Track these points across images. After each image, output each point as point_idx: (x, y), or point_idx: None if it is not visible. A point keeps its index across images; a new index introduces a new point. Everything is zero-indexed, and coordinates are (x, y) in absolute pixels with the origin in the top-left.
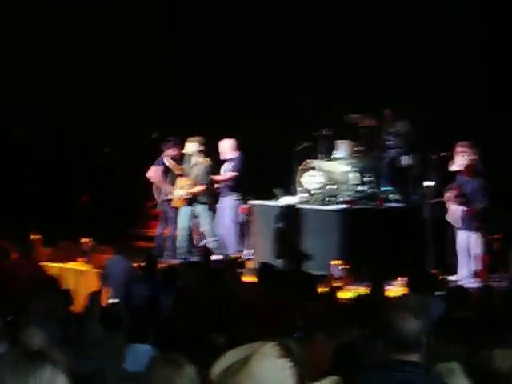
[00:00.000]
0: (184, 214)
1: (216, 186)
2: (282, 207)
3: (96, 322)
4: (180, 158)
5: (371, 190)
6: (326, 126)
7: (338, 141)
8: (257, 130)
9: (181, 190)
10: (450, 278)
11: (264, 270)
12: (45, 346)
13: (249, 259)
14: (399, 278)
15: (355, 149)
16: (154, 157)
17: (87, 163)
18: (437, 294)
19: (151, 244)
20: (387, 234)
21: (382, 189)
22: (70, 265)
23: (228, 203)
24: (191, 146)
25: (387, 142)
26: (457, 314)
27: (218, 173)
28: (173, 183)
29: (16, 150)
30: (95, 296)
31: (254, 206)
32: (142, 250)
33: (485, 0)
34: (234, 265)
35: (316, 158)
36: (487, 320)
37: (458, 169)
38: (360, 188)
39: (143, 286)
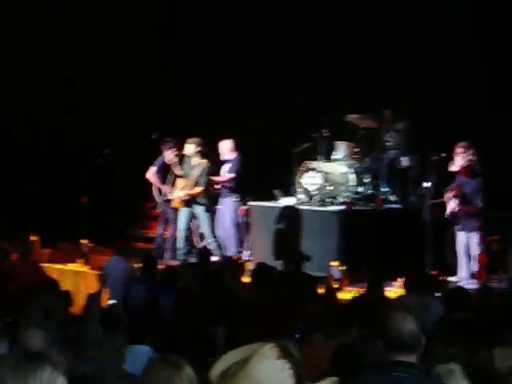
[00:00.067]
0: (183, 215)
1: (216, 187)
2: (281, 208)
3: (95, 323)
4: (180, 159)
5: (370, 191)
6: (326, 127)
7: (338, 142)
8: (256, 130)
9: (180, 191)
10: (450, 278)
11: (260, 270)
12: (45, 348)
13: (248, 260)
14: (398, 279)
15: (354, 150)
16: (153, 157)
17: (87, 164)
18: (436, 295)
19: (151, 245)
20: (386, 235)
21: (381, 190)
22: (70, 266)
23: (228, 204)
24: (190, 148)
25: (386, 144)
26: (456, 315)
27: (217, 174)
28: (173, 184)
29: (16, 150)
30: (94, 297)
31: (253, 207)
32: (142, 251)
33: (485, 0)
34: (233, 266)
35: (315, 159)
36: (486, 321)
37: (457, 169)
38: (359, 189)
39: (142, 287)
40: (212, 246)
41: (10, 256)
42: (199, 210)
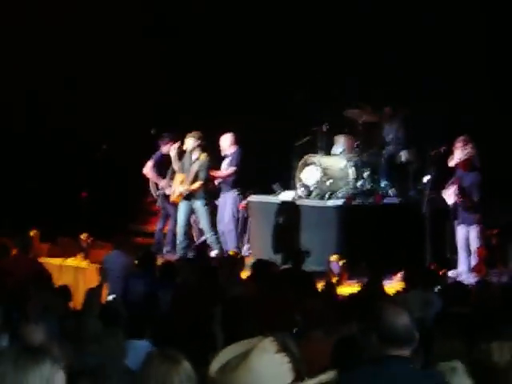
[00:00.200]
0: (182, 209)
1: (216, 181)
2: (280, 203)
3: (95, 318)
4: (179, 154)
5: (370, 185)
6: (326, 121)
7: (337, 136)
8: (256, 128)
9: (179, 185)
10: (449, 273)
11: (259, 267)
12: (45, 342)
13: (248, 255)
14: (398, 274)
15: (354, 144)
16: (153, 153)
17: (86, 159)
18: (435, 289)
19: (150, 240)
20: (385, 229)
21: (380, 184)
22: (69, 261)
23: (228, 199)
24: (190, 142)
25: (386, 138)
26: (455, 310)
27: (218, 168)
28: (172, 178)
29: (16, 146)
30: (94, 292)
31: (252, 201)
32: (142, 245)
33: (485, 0)
34: (232, 261)
35: (315, 154)
36: (485, 315)
37: (456, 163)
38: (359, 183)
39: (141, 282)
40: (210, 241)
41: (10, 252)
42: (198, 204)
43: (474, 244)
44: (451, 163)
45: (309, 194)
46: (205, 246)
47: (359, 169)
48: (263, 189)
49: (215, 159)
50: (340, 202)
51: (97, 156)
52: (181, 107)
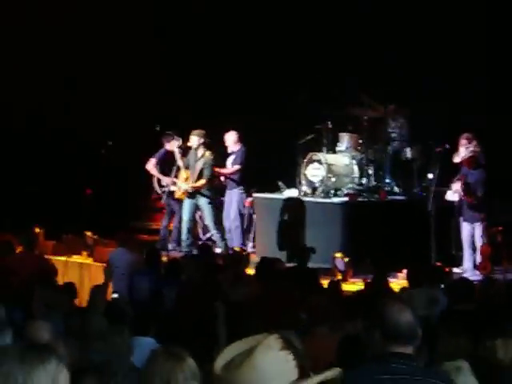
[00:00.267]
0: (187, 206)
1: (221, 179)
2: (285, 200)
3: (100, 315)
4: (184, 151)
5: (374, 182)
6: (329, 119)
7: (342, 133)
8: (257, 126)
9: (184, 182)
10: (454, 270)
11: (263, 265)
12: (51, 340)
13: (253, 252)
14: (403, 271)
15: (358, 141)
16: (157, 150)
17: (90, 156)
18: (440, 286)
19: (155, 237)
20: (390, 226)
21: (385, 181)
22: (74, 258)
23: (234, 196)
24: (194, 140)
25: (390, 135)
26: (460, 307)
27: (223, 166)
28: (177, 175)
29: (15, 146)
30: (99, 289)
31: (257, 198)
32: (147, 243)
33: (485, 0)
34: (238, 257)
35: (320, 151)
36: (490, 312)
37: (460, 160)
38: (363, 181)
39: (146, 279)
40: (215, 238)
41: (15, 249)
42: (203, 201)
43: (479, 241)
44: (456, 159)
45: (314, 190)
46: (209, 243)
47: (364, 166)
48: (268, 186)
49: (219, 157)
50: (344, 198)
51: (101, 153)
52: (181, 107)
